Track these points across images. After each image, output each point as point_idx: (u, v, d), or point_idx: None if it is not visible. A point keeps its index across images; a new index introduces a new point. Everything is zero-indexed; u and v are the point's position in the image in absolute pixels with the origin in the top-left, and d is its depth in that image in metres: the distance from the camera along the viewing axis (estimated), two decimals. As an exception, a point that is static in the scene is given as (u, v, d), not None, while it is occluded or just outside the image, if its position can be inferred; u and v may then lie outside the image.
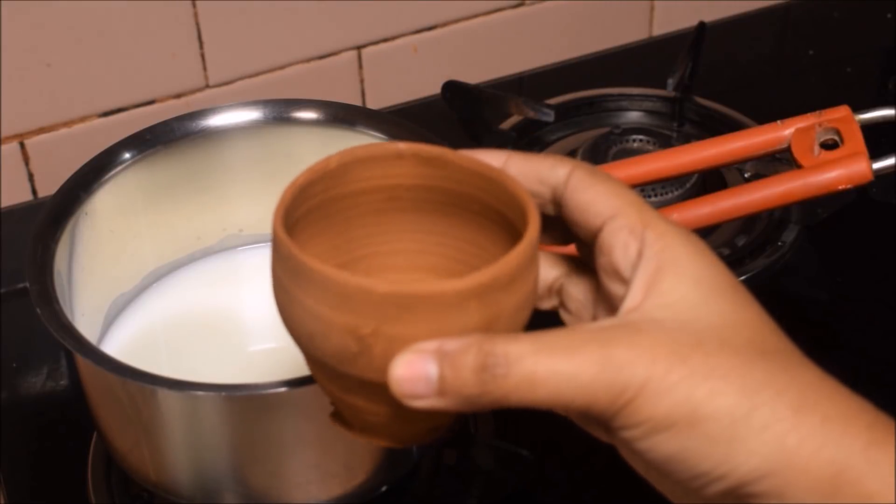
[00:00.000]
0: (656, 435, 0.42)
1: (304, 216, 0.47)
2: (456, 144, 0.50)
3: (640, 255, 0.45)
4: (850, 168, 0.71)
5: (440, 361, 0.43)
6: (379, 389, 0.44)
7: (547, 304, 0.50)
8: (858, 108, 0.74)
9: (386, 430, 0.47)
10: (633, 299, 0.45)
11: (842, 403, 0.43)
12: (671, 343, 0.42)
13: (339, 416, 0.49)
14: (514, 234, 0.46)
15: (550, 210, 0.48)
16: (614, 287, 0.46)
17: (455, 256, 0.51)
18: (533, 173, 0.48)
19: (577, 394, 0.42)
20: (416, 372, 0.43)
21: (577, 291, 0.50)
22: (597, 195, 0.46)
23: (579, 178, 0.47)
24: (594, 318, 0.49)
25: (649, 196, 0.84)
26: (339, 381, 0.46)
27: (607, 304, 0.47)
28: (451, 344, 0.43)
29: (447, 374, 0.43)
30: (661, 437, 0.42)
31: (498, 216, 0.48)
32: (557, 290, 0.50)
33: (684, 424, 0.41)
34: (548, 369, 0.42)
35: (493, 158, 0.48)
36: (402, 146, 0.49)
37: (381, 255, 0.51)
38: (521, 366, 0.42)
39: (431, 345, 0.43)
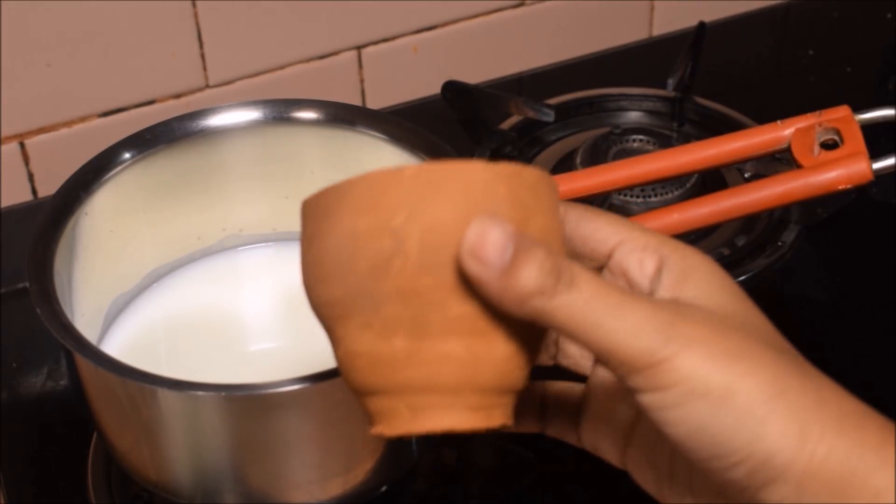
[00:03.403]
0: (688, 403, 0.42)
1: None
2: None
3: (659, 267, 0.46)
4: (850, 168, 0.71)
5: (517, 243, 0.41)
6: (420, 307, 0.43)
7: (545, 357, 0.51)
8: (858, 108, 0.74)
9: (422, 394, 0.45)
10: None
11: (854, 403, 0.43)
12: (712, 318, 0.43)
13: (376, 415, 0.46)
14: None
15: None
16: None
17: None
18: None
19: (625, 334, 0.42)
20: (497, 236, 0.41)
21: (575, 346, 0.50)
22: (600, 224, 0.47)
23: (577, 213, 0.48)
24: (594, 366, 0.50)
25: (649, 196, 0.84)
26: (376, 315, 0.43)
27: None
28: (527, 238, 0.42)
29: (517, 257, 0.41)
30: (693, 406, 0.42)
31: None
32: (555, 341, 0.51)
33: (719, 394, 0.41)
34: (605, 299, 0.42)
35: None
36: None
37: None
38: (584, 284, 0.42)
39: (511, 227, 0.42)
